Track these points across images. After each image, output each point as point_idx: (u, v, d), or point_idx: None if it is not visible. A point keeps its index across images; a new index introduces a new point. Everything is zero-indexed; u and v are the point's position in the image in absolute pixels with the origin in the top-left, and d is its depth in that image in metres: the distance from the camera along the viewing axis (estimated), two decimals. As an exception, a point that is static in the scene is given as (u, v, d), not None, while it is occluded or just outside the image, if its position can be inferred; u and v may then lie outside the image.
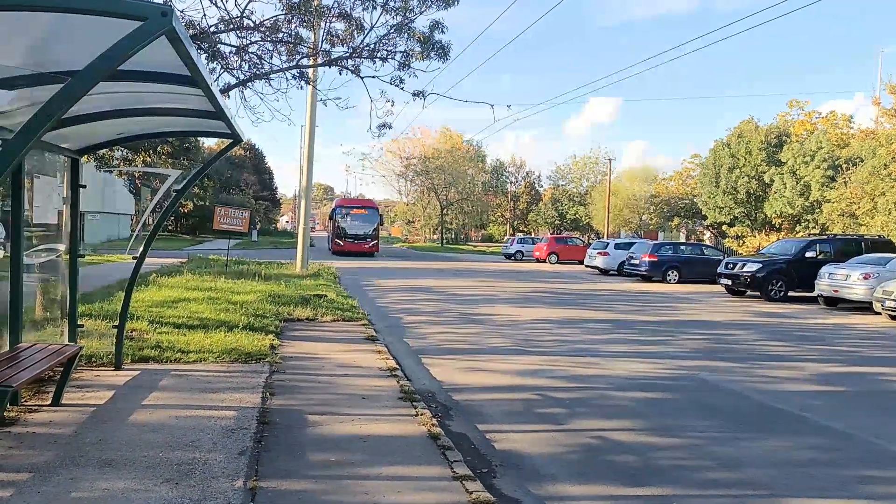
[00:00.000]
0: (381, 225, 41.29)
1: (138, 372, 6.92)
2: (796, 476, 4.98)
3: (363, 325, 11.17)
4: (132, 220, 48.27)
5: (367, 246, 38.62)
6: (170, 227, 54.72)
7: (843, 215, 27.96)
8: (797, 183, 34.72)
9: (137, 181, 35.47)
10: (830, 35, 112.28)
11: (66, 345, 6.17)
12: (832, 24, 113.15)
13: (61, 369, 5.74)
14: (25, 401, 5.68)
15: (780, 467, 5.14)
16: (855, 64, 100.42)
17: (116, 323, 7.10)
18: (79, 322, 6.95)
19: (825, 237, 22.23)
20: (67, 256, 6.74)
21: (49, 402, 5.66)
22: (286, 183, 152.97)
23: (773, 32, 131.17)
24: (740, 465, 5.17)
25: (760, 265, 19.63)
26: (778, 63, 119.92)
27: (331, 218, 41.26)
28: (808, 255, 19.58)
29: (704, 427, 6.19)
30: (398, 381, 7.08)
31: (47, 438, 4.82)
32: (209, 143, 38.64)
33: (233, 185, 64.82)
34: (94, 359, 7.22)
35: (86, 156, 7.09)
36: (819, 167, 33.56)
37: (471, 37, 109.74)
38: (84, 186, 6.71)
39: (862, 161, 28.20)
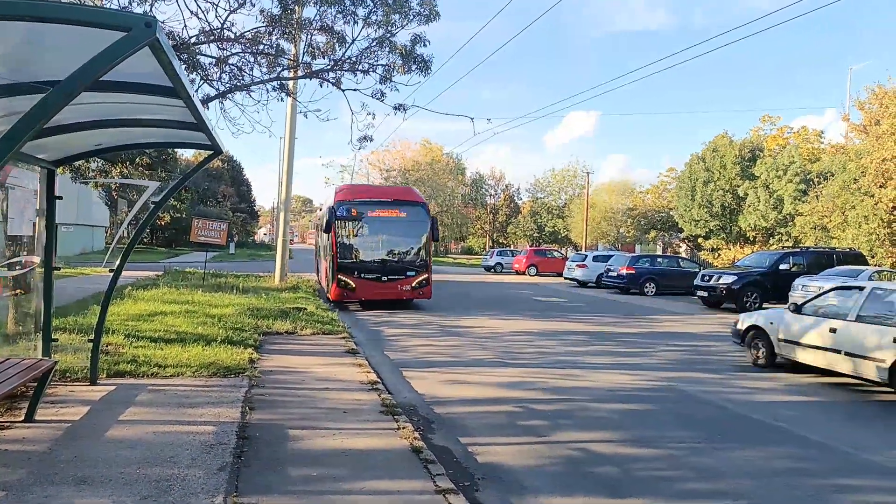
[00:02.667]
0: (435, 238, 17.90)
1: (114, 387, 6.80)
2: (773, 485, 5.06)
3: (343, 338, 11.10)
4: (107, 231, 47.53)
5: (405, 288, 17.20)
6: (146, 240, 53.96)
7: (815, 228, 28.53)
8: (770, 196, 35.44)
9: (114, 193, 34.96)
10: (802, 53, 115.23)
11: (41, 359, 6.04)
12: (804, 43, 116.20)
13: (35, 385, 5.61)
14: (-3, 417, 5.55)
15: (757, 477, 5.21)
16: (825, 81, 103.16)
17: (92, 337, 6.98)
18: (53, 336, 6.81)
19: (798, 250, 22.67)
20: (42, 269, 6.62)
21: (22, 418, 5.54)
22: (264, 195, 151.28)
23: (747, 49, 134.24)
24: (719, 476, 5.23)
25: (735, 277, 19.94)
26: (751, 79, 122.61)
27: (326, 228, 17.53)
28: (781, 267, 19.96)
29: (683, 438, 6.25)
30: (379, 395, 7.05)
31: (20, 455, 4.71)
32: (187, 154, 38.23)
33: (210, 196, 64.25)
34: (68, 374, 7.08)
35: (62, 167, 6.99)
36: (791, 181, 34.32)
37: (452, 48, 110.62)
38: (60, 198, 6.61)
39: (833, 175, 28.89)
